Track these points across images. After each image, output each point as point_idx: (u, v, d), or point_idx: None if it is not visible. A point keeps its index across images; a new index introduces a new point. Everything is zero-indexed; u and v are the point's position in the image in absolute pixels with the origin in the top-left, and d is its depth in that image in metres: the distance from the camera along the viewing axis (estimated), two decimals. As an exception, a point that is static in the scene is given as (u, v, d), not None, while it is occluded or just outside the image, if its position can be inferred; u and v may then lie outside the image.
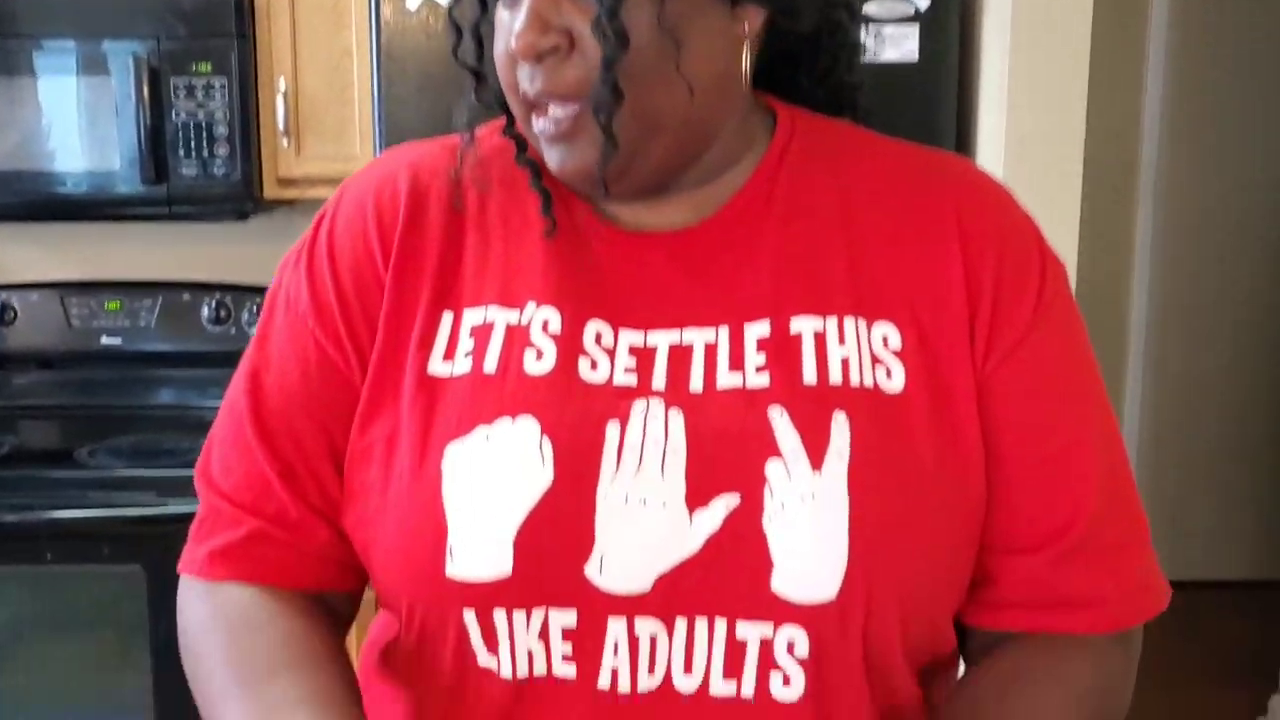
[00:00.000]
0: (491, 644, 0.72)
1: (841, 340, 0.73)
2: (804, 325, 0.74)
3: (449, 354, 0.75)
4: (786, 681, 0.71)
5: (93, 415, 2.36)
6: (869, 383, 0.72)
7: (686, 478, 0.70)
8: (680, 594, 0.70)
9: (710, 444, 0.71)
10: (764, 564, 0.69)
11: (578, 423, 0.72)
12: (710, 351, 0.74)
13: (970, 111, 1.86)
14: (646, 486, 0.70)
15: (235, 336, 2.37)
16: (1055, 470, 0.75)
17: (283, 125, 2.17)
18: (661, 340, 0.74)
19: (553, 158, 0.74)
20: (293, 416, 0.78)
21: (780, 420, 0.71)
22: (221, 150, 2.15)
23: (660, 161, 0.74)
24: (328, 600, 0.81)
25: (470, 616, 0.72)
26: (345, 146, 2.16)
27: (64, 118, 2.17)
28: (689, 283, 0.76)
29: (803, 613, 0.69)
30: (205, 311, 2.41)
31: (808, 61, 0.82)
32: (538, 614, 0.71)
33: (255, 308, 2.34)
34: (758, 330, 0.74)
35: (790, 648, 0.70)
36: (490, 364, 0.74)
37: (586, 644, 0.71)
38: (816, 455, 0.70)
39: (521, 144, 0.79)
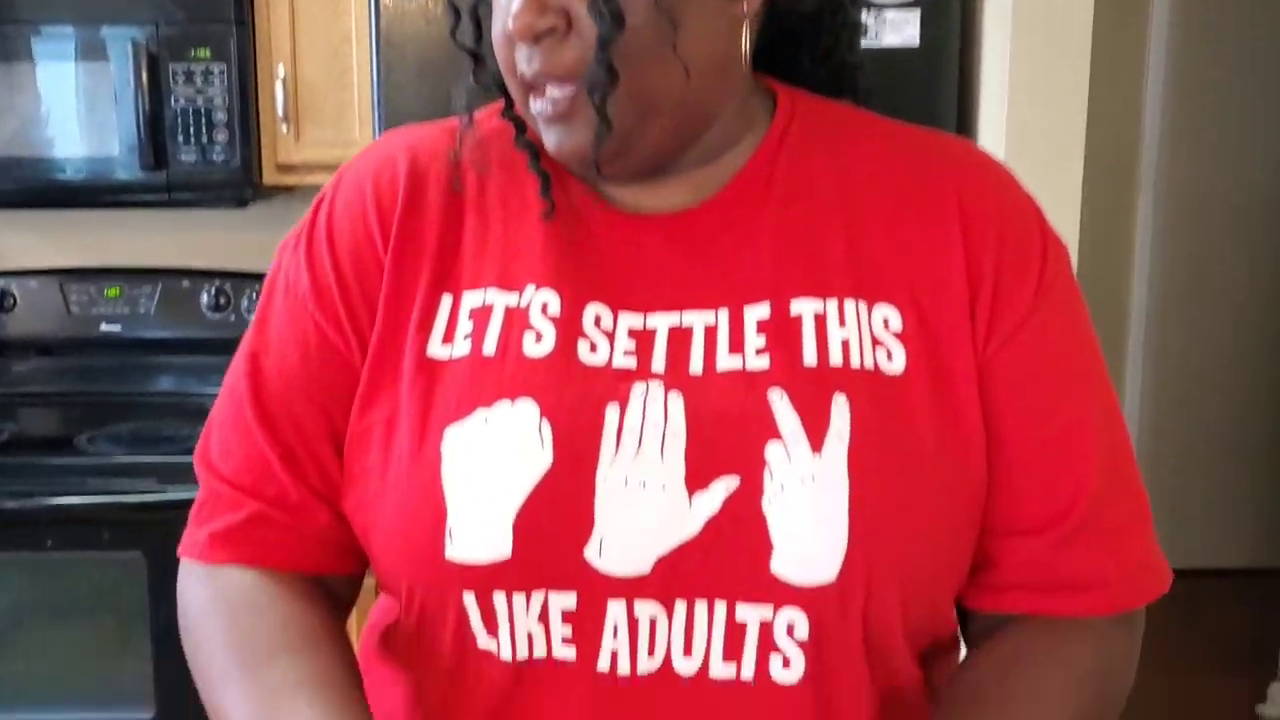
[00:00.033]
0: (491, 626, 0.72)
1: (842, 322, 0.73)
2: (804, 307, 0.73)
3: (448, 336, 0.75)
4: (786, 664, 0.71)
5: (92, 402, 2.36)
6: (869, 365, 0.72)
7: (686, 460, 0.70)
8: (680, 576, 0.70)
9: (710, 426, 0.71)
10: (764, 546, 0.69)
11: (577, 405, 0.72)
12: (710, 334, 0.73)
13: (971, 97, 1.85)
14: (646, 469, 0.70)
15: (235, 323, 2.37)
16: (1056, 452, 0.75)
17: (282, 111, 2.16)
18: (661, 323, 0.74)
19: (550, 139, 0.74)
20: (293, 399, 0.78)
21: (780, 402, 0.71)
22: (220, 136, 2.14)
23: (658, 143, 0.73)
24: (328, 583, 0.81)
25: (470, 599, 0.72)
26: (344, 132, 2.16)
27: (63, 104, 2.17)
28: (688, 265, 0.75)
29: (802, 595, 0.69)
30: (205, 298, 2.41)
31: (808, 42, 0.82)
32: (537, 596, 0.71)
33: (255, 294, 2.34)
34: (758, 312, 0.74)
35: (790, 630, 0.70)
36: (489, 346, 0.74)
37: (586, 626, 0.71)
38: (816, 437, 0.70)
39: (520, 126, 0.78)
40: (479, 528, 0.71)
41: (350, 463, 0.77)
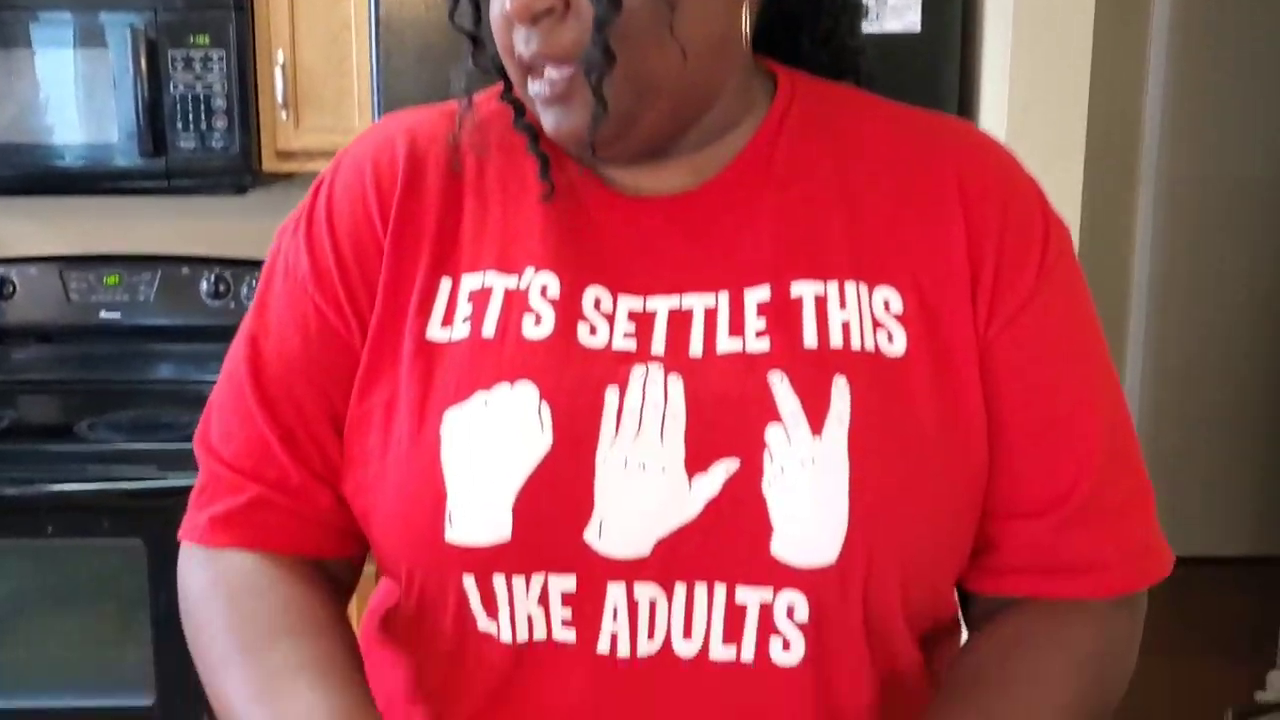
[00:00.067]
0: (491, 609, 0.72)
1: (842, 304, 0.73)
2: (804, 289, 0.73)
3: (447, 319, 0.75)
4: (786, 646, 0.71)
5: (92, 389, 2.36)
6: (870, 347, 0.72)
7: (686, 443, 0.70)
8: (679, 559, 0.70)
9: (710, 409, 0.71)
10: (763, 528, 0.69)
11: (576, 388, 0.71)
12: (710, 316, 0.73)
13: (973, 83, 1.85)
14: (646, 451, 0.70)
15: (235, 310, 2.37)
16: (1058, 434, 0.74)
17: (281, 98, 2.16)
18: (661, 305, 0.74)
19: (548, 120, 0.73)
20: (293, 382, 0.77)
21: (780, 385, 0.70)
22: (219, 123, 2.14)
23: (656, 124, 0.73)
24: (329, 567, 0.80)
25: (470, 582, 0.72)
26: (344, 119, 2.16)
27: (61, 90, 2.16)
28: (688, 247, 0.75)
29: (802, 577, 0.69)
30: (204, 285, 2.41)
31: (808, 24, 0.82)
32: (537, 579, 0.71)
33: (254, 282, 2.33)
34: (758, 295, 0.73)
35: (790, 612, 0.70)
36: (489, 329, 0.74)
37: (586, 609, 0.71)
38: (816, 420, 0.70)
39: (519, 108, 0.78)
40: (479, 510, 0.70)
41: (350, 446, 0.77)
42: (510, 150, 0.79)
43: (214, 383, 0.82)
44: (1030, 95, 1.70)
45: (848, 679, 0.73)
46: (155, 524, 1.98)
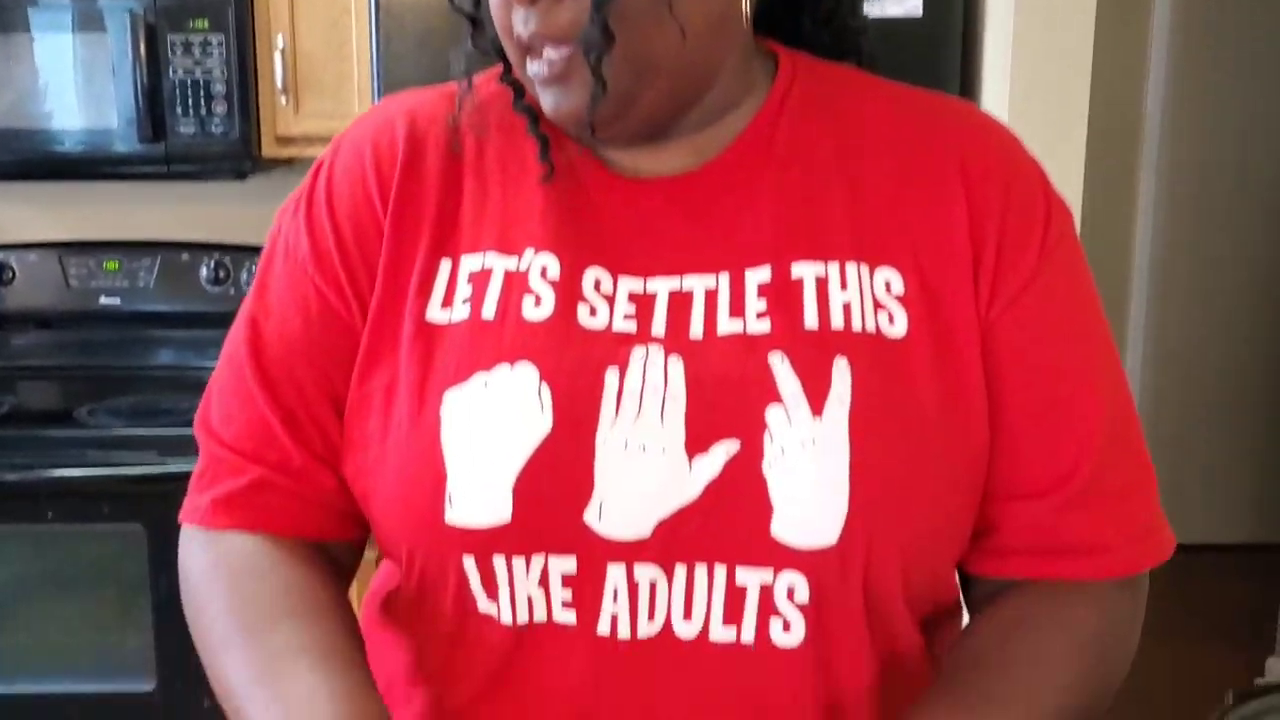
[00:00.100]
0: (491, 590, 0.72)
1: (843, 285, 0.72)
2: (805, 270, 0.73)
3: (447, 301, 0.75)
4: (786, 627, 0.71)
5: (92, 375, 2.37)
6: (871, 328, 0.72)
7: (686, 424, 0.70)
8: (680, 540, 0.70)
9: (710, 390, 0.70)
10: (764, 510, 0.69)
11: (576, 369, 0.71)
12: (710, 298, 0.73)
13: (974, 67, 1.84)
14: (646, 433, 0.70)
15: (234, 296, 2.37)
16: (1059, 415, 0.74)
17: (281, 83, 2.16)
18: (661, 287, 0.74)
19: (546, 101, 0.73)
20: (294, 363, 0.77)
21: (781, 366, 0.70)
22: (219, 108, 2.14)
23: (655, 104, 0.73)
24: (330, 550, 0.80)
25: (470, 563, 0.72)
26: (344, 104, 2.15)
27: (60, 75, 2.16)
28: (689, 228, 0.75)
29: (803, 558, 0.69)
30: (204, 272, 2.41)
31: (810, 4, 0.81)
32: (537, 560, 0.71)
33: (254, 267, 2.33)
34: (758, 276, 0.73)
35: (790, 593, 0.70)
36: (489, 310, 0.74)
37: (586, 590, 0.71)
38: (817, 401, 0.69)
39: (519, 90, 0.78)
40: (478, 492, 0.70)
41: (351, 428, 0.76)
42: (510, 131, 0.79)
43: (214, 369, 0.82)
44: (1032, 81, 1.69)
45: (848, 660, 0.73)
46: (155, 509, 1.98)
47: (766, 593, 0.70)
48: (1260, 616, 3.05)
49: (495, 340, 0.73)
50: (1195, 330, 3.66)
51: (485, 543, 0.71)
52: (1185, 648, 2.98)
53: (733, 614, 0.70)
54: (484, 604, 0.72)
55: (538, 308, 0.73)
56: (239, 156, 2.17)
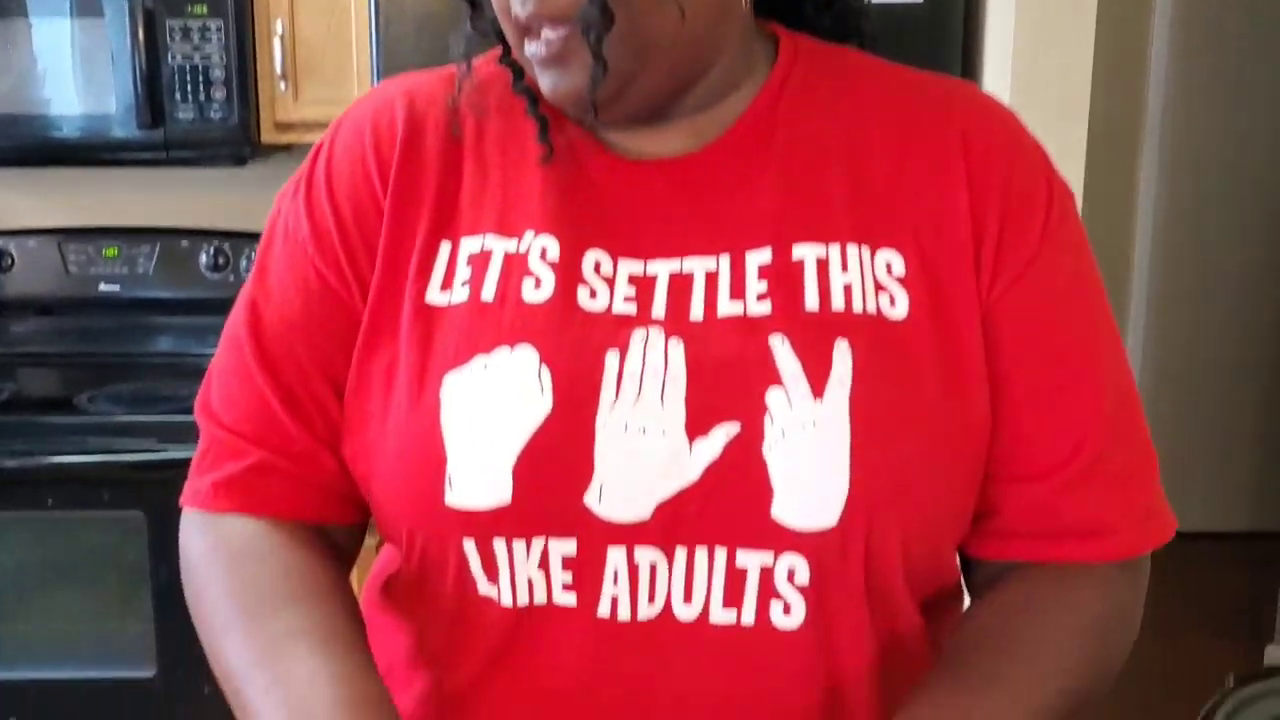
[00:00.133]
0: (491, 573, 0.72)
1: (844, 267, 0.72)
2: (806, 252, 0.73)
3: (446, 283, 0.75)
4: (787, 610, 0.71)
5: (92, 362, 2.36)
6: (872, 309, 0.71)
7: (686, 406, 0.70)
8: (680, 522, 0.69)
9: (710, 372, 0.70)
10: (764, 492, 0.68)
11: (576, 351, 0.71)
12: (711, 280, 0.73)
13: (976, 55, 1.84)
14: (646, 415, 0.70)
15: (234, 283, 2.37)
16: (1061, 397, 0.74)
17: (280, 69, 2.15)
18: (661, 269, 0.74)
19: (545, 82, 0.73)
20: (294, 344, 0.77)
21: (781, 348, 0.70)
22: (218, 94, 2.13)
23: (655, 85, 0.72)
24: (330, 533, 0.80)
25: (470, 546, 0.72)
26: (343, 90, 2.15)
27: (58, 61, 2.15)
28: (689, 210, 0.75)
29: (803, 540, 0.69)
30: (203, 258, 2.40)
31: (811, -15, 0.81)
32: (537, 543, 0.71)
33: (254, 254, 2.33)
34: (759, 258, 0.73)
35: (791, 576, 0.70)
36: (488, 292, 0.74)
37: (586, 573, 0.71)
38: (818, 383, 0.69)
39: (518, 71, 0.78)
40: (478, 474, 0.70)
41: (350, 410, 0.76)
42: (510, 113, 0.78)
43: (214, 355, 0.82)
44: (1034, 67, 1.69)
45: (848, 642, 0.73)
46: (156, 496, 1.98)
47: (767, 575, 0.70)
48: (1259, 604, 3.06)
49: (495, 322, 0.73)
50: (1193, 320, 3.65)
51: (485, 525, 0.71)
52: (1184, 636, 2.98)
53: (733, 596, 0.70)
54: (484, 586, 0.72)
55: (537, 290, 0.73)
56: (238, 143, 2.17)
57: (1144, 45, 3.53)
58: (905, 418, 0.70)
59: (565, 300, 0.73)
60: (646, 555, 0.70)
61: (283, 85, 2.16)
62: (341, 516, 0.80)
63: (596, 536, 0.70)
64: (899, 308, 0.72)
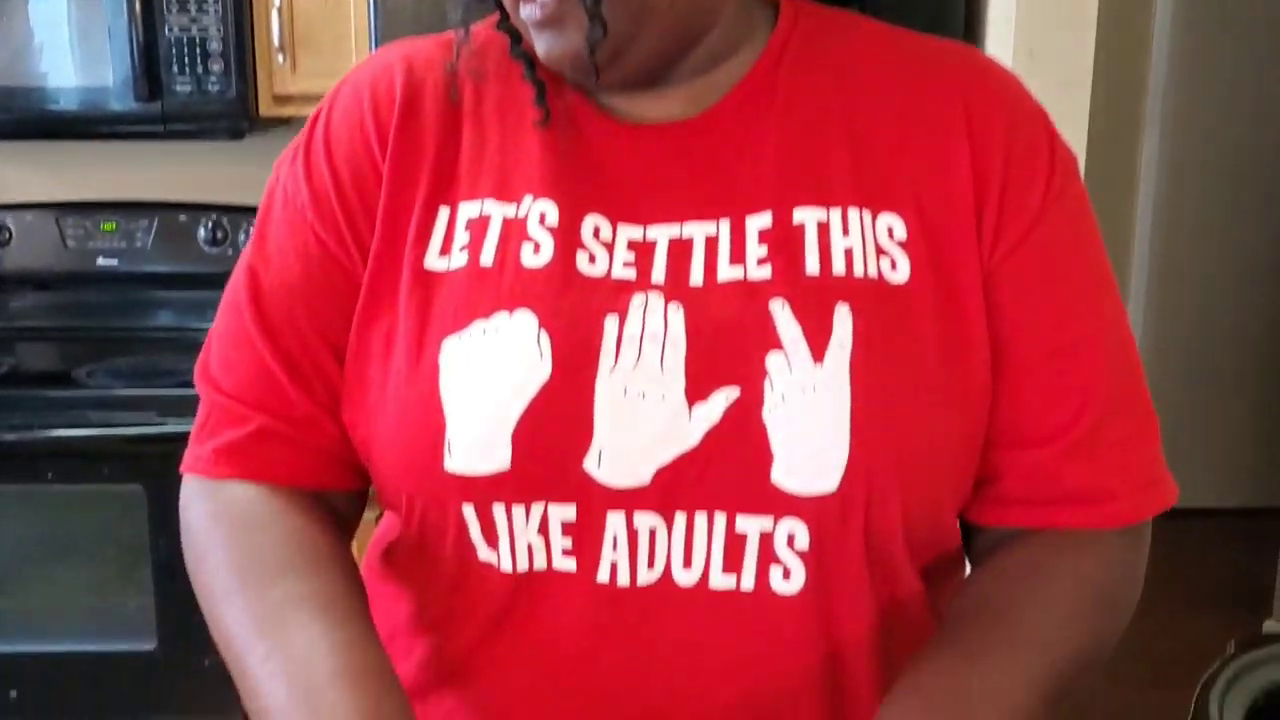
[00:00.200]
0: (491, 538, 0.72)
1: (845, 231, 0.72)
2: (807, 216, 0.72)
3: (445, 248, 0.74)
4: (786, 575, 0.70)
5: (90, 337, 2.36)
6: (873, 273, 0.71)
7: (686, 371, 0.69)
8: (679, 487, 0.69)
9: (710, 337, 0.70)
10: (764, 456, 0.68)
11: (575, 316, 0.71)
12: (711, 245, 0.72)
13: (979, 26, 1.82)
14: (645, 380, 0.69)
15: (232, 258, 2.36)
16: (1063, 362, 0.74)
17: (278, 41, 2.14)
18: (661, 234, 0.73)
19: (540, 45, 0.72)
20: (294, 309, 0.77)
21: (782, 312, 0.70)
22: (216, 67, 2.12)
23: (652, 48, 0.72)
24: (331, 500, 0.80)
25: (469, 511, 0.71)
26: (341, 63, 2.12)
27: (55, 33, 2.14)
28: (689, 175, 0.74)
29: (803, 505, 0.69)
30: (202, 233, 2.40)
31: (812, -51, 0.80)
32: (537, 508, 0.71)
33: (252, 228, 2.32)
34: (759, 222, 0.72)
35: (790, 540, 0.70)
36: (487, 257, 0.73)
37: (586, 538, 0.71)
38: (818, 347, 0.69)
39: (516, 36, 0.77)
40: (478, 440, 0.70)
41: (351, 375, 0.76)
42: (508, 79, 0.78)
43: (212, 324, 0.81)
44: (1037, 34, 1.67)
45: (848, 608, 0.73)
46: (155, 470, 1.98)
47: (766, 540, 0.70)
48: (1257, 581, 3.07)
49: (494, 288, 0.72)
50: (1194, 297, 3.65)
51: (484, 491, 0.70)
52: (1181, 612, 2.99)
53: (732, 561, 0.70)
54: (484, 552, 0.72)
55: (536, 255, 0.73)
56: (236, 116, 2.16)
57: (1148, 15, 3.51)
58: (906, 382, 0.70)
59: (564, 265, 0.72)
60: (646, 520, 0.70)
61: (281, 58, 2.15)
62: (342, 482, 0.80)
63: (596, 502, 0.70)
64: (900, 272, 0.71)
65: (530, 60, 0.76)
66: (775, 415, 0.68)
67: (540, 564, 0.72)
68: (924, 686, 0.69)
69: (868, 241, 0.72)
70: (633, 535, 0.70)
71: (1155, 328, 3.64)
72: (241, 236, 2.37)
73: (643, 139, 0.75)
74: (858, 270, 0.71)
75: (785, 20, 0.78)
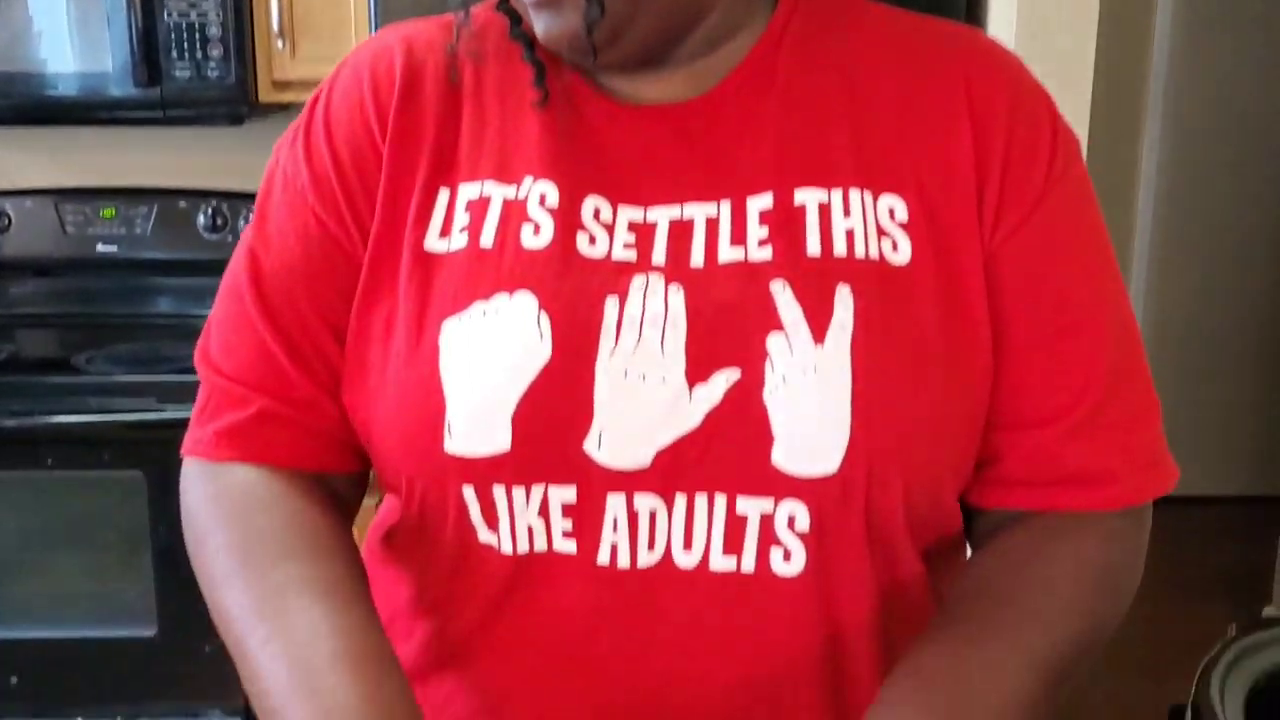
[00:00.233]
0: (491, 521, 0.72)
1: (846, 212, 0.72)
2: (808, 197, 0.72)
3: (445, 230, 0.74)
4: (787, 557, 0.70)
5: (90, 323, 2.36)
6: (874, 255, 0.71)
7: (686, 353, 0.69)
8: (680, 469, 0.69)
9: (710, 319, 0.70)
10: (764, 438, 0.68)
11: (576, 298, 0.71)
12: (711, 226, 0.72)
13: (980, 5, 1.82)
14: (646, 361, 0.69)
15: (232, 244, 2.34)
16: (1064, 343, 0.73)
17: (277, 26, 2.13)
18: (661, 216, 0.73)
19: (539, 25, 0.72)
20: (295, 292, 0.76)
21: (782, 294, 0.70)
22: (215, 52, 2.11)
23: (650, 28, 0.72)
24: (332, 483, 0.80)
25: (470, 493, 0.71)
26: (341, 48, 2.11)
27: (54, 18, 2.13)
28: (690, 156, 0.74)
29: (804, 487, 0.69)
30: (201, 219, 2.39)
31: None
32: (537, 490, 0.70)
33: (251, 214, 2.32)
34: (760, 203, 0.72)
35: (791, 522, 0.70)
36: (487, 239, 0.73)
37: (586, 520, 0.71)
38: (819, 328, 0.69)
39: (515, 17, 0.77)
40: (478, 421, 0.70)
41: (351, 357, 0.76)
42: (508, 60, 0.78)
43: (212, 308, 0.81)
44: (1039, 17, 1.67)
45: (849, 590, 0.73)
46: (155, 456, 1.98)
47: (767, 522, 0.70)
48: (1257, 569, 3.07)
49: (494, 269, 0.72)
50: (1195, 283, 3.64)
51: (485, 472, 0.70)
52: (1181, 599, 2.99)
53: (733, 543, 0.70)
54: (484, 534, 0.72)
55: (536, 236, 0.72)
56: (235, 101, 2.15)
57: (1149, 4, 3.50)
58: (907, 364, 0.70)
59: (564, 247, 0.72)
60: (646, 502, 0.70)
61: (280, 43, 2.14)
62: (343, 465, 0.80)
63: (596, 484, 0.70)
64: (901, 253, 0.71)
65: (530, 41, 0.76)
66: (776, 397, 0.68)
67: (540, 546, 0.72)
68: (925, 668, 0.69)
69: (869, 223, 0.71)
70: (633, 517, 0.70)
71: (1155, 316, 3.63)
72: (241, 222, 2.37)
73: (643, 120, 0.75)
74: (859, 251, 0.71)
75: (786, 2, 0.77)
